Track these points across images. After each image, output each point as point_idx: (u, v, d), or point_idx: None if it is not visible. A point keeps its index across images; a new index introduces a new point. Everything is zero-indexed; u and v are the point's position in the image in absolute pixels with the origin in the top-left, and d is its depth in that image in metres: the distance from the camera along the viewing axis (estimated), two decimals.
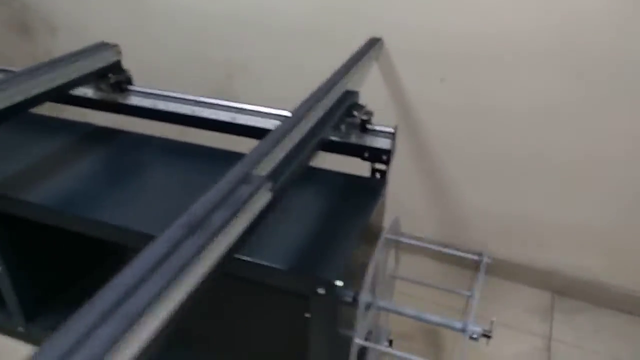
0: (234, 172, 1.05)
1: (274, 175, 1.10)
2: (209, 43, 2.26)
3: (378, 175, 1.58)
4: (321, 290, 1.20)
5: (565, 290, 2.07)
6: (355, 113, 1.51)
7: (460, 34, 1.77)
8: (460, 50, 1.80)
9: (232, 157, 1.13)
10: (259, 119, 1.66)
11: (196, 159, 1.67)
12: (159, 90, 1.77)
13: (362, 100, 1.59)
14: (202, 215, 0.93)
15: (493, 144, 1.89)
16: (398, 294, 1.69)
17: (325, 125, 1.38)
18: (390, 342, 1.80)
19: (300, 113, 1.32)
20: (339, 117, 1.48)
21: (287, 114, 1.50)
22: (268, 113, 1.65)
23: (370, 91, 2.02)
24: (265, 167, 1.11)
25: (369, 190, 1.52)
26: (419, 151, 2.03)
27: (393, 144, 1.53)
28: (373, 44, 1.85)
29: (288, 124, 1.26)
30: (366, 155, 1.56)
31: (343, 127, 1.54)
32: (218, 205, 0.96)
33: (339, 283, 1.23)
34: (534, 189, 1.91)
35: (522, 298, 2.10)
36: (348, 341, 1.29)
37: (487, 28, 1.73)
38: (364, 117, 1.53)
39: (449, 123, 1.92)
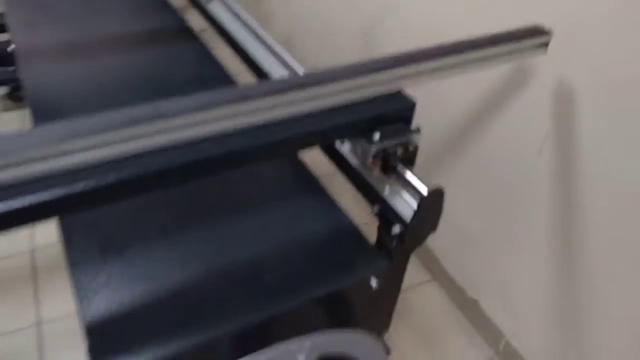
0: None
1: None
2: None
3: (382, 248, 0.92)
4: None
5: None
6: (376, 137, 0.85)
7: None
8: None
9: None
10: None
11: None
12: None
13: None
14: None
15: None
16: None
17: (318, 124, 0.80)
18: None
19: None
20: (354, 126, 0.86)
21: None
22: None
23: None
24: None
25: (344, 272, 0.90)
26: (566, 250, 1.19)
27: (416, 216, 0.84)
28: (525, 36, 1.02)
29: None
30: (375, 209, 0.90)
31: (359, 149, 0.91)
32: None
33: None
34: None
35: None
36: None
37: None
38: (391, 149, 0.86)
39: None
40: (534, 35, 1.00)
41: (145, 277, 0.84)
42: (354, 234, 0.95)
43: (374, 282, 0.90)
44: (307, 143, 0.84)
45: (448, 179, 1.51)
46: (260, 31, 1.25)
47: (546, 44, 1.02)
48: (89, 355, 0.73)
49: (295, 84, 0.80)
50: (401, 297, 1.60)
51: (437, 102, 1.47)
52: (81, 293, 0.80)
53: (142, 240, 0.90)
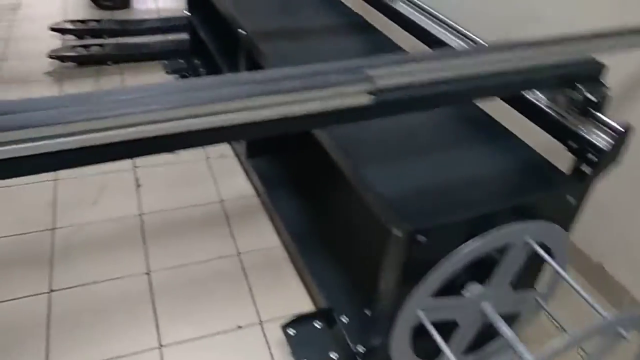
0: (348, 63, 0.96)
1: (389, 87, 0.96)
2: None
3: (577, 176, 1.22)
4: (397, 232, 1.06)
5: None
6: (580, 86, 1.17)
7: None
8: None
9: None
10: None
11: None
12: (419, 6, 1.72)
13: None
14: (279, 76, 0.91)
15: None
16: None
17: (515, 78, 1.11)
18: None
19: (488, 48, 1.10)
20: (554, 82, 1.17)
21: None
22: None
23: None
24: (387, 76, 0.97)
25: (548, 183, 1.20)
26: None
27: (615, 147, 1.14)
28: None
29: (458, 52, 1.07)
30: (571, 144, 1.21)
31: (561, 98, 1.22)
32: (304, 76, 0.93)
33: (421, 238, 1.05)
34: None
35: None
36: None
37: None
38: (592, 97, 1.17)
39: None
40: None
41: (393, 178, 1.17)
42: (548, 164, 1.26)
43: (571, 199, 1.20)
44: (526, 87, 1.18)
45: None
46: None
47: None
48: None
49: (522, 43, 1.13)
50: None
51: None
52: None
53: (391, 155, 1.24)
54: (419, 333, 1.17)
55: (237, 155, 2.26)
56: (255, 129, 0.93)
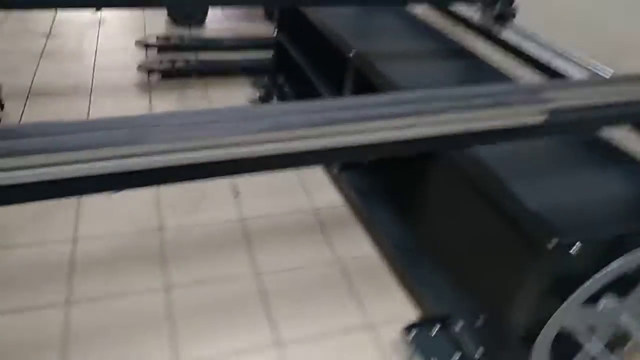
0: (518, 85, 1.07)
1: (561, 110, 1.06)
2: None
3: None
4: (551, 244, 1.14)
5: None
6: None
7: None
8: None
9: None
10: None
11: None
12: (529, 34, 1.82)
13: None
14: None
15: None
16: None
17: None
18: None
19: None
20: None
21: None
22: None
23: None
24: (561, 99, 1.07)
25: None
26: None
27: None
28: None
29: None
30: None
31: None
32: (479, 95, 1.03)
33: (577, 251, 1.13)
34: None
35: None
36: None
37: None
38: None
39: None
40: None
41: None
42: None
43: None
44: None
45: None
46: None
47: None
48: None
49: None
50: None
51: None
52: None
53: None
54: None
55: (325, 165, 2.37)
56: (419, 145, 1.02)
